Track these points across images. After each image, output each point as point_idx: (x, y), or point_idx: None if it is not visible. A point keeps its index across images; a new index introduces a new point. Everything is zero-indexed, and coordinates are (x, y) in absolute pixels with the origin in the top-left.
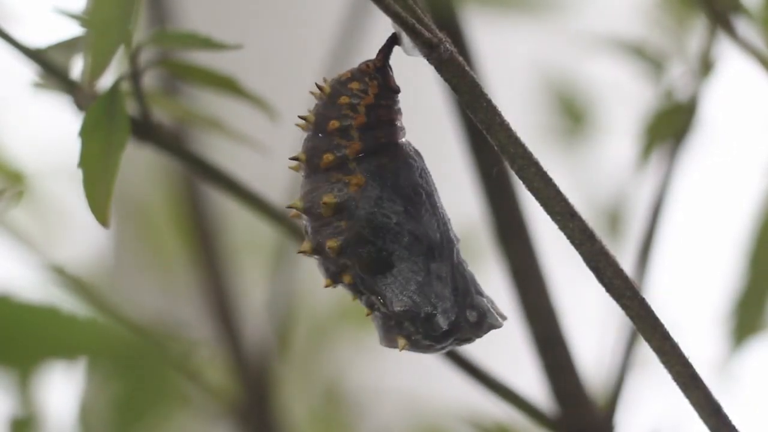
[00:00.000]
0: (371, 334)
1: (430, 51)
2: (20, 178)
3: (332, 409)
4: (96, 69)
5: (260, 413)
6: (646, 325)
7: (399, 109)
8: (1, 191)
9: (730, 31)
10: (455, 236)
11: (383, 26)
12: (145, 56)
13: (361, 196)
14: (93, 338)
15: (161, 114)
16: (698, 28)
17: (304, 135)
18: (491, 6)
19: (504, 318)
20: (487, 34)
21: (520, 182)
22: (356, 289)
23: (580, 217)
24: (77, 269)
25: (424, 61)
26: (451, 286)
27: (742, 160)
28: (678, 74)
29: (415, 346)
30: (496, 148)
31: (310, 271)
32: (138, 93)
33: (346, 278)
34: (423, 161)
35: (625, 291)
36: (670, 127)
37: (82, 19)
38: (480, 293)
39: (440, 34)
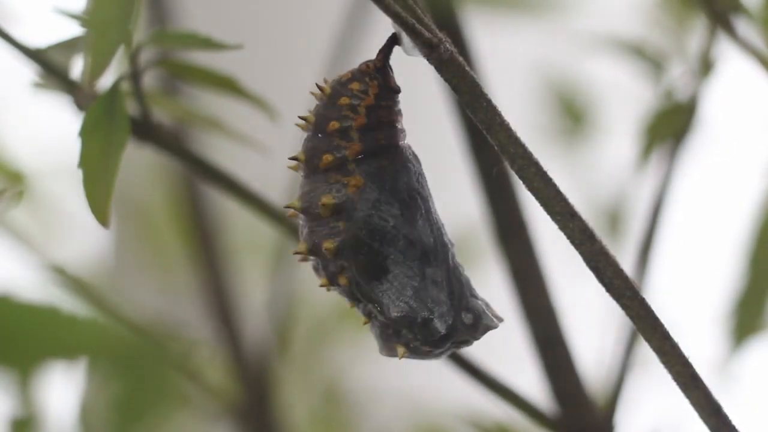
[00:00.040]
0: (371, 335)
1: (430, 51)
2: (20, 178)
3: (332, 409)
4: (96, 69)
5: (260, 413)
6: (646, 325)
7: (399, 111)
8: (1, 191)
9: (730, 31)
10: (450, 241)
11: (383, 26)
12: (145, 56)
13: (360, 197)
14: (93, 338)
15: (161, 114)
16: (698, 28)
17: (304, 135)
18: (491, 6)
19: (500, 319)
20: (487, 34)
21: (520, 182)
22: (353, 295)
23: (580, 217)
24: (77, 269)
25: (424, 61)
26: (446, 291)
27: (742, 160)
28: (678, 74)
29: (414, 352)
30: (496, 148)
31: (310, 271)
32: (138, 93)
33: (342, 280)
34: (420, 165)
35: (625, 291)
36: (670, 127)
37: (82, 19)
38: (474, 296)
39: (440, 34)
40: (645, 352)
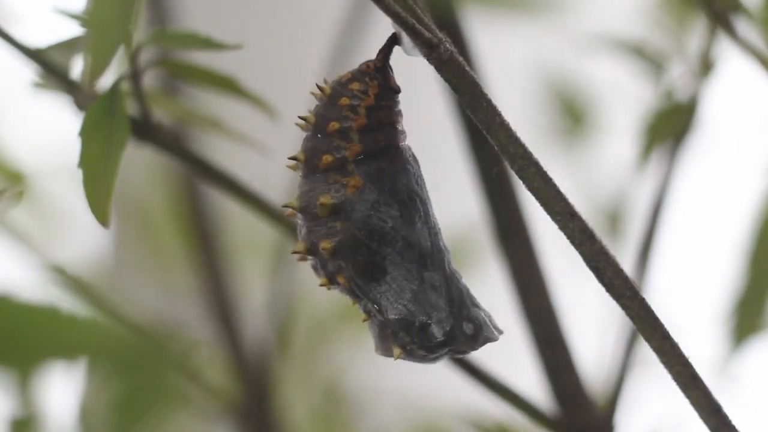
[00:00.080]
0: (370, 335)
1: (430, 51)
2: (20, 178)
3: (332, 409)
4: (96, 69)
5: (260, 413)
6: (646, 325)
7: (399, 111)
8: (1, 191)
9: (730, 31)
10: (445, 246)
11: (383, 26)
12: (145, 56)
13: (358, 198)
14: (93, 338)
15: (161, 114)
16: (698, 28)
17: (304, 135)
18: (491, 6)
19: (500, 332)
20: (487, 34)
21: (520, 182)
22: (353, 293)
23: (580, 217)
24: (77, 269)
25: (424, 61)
26: (445, 297)
27: (742, 160)
28: (678, 74)
29: (410, 355)
30: (496, 148)
31: (310, 271)
32: (138, 93)
33: (341, 279)
34: (419, 168)
35: (625, 291)
36: (670, 127)
37: (82, 19)
38: (476, 305)
39: (440, 34)
40: (645, 352)
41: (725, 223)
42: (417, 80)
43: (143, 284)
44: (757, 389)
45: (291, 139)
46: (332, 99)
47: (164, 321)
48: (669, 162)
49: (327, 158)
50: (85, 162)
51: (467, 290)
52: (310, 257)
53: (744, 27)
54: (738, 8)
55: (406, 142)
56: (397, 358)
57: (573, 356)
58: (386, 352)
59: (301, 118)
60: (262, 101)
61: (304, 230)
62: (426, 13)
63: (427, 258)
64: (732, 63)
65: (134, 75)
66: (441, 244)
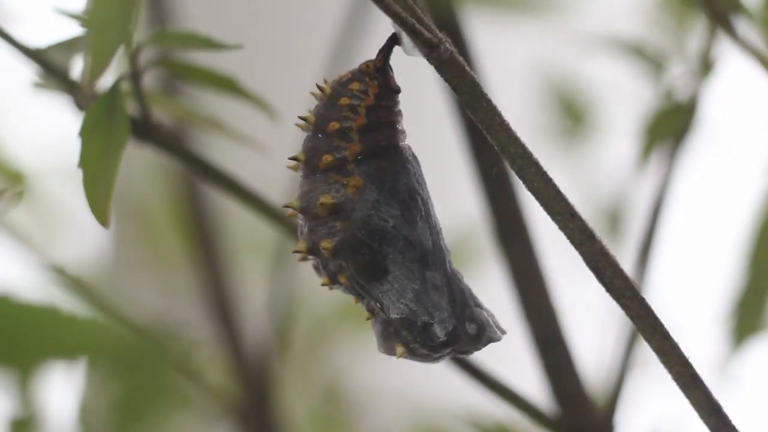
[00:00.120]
0: (371, 334)
1: (430, 51)
2: (20, 178)
3: (332, 409)
4: (96, 69)
5: (260, 413)
6: (646, 325)
7: (399, 111)
8: (1, 191)
9: (730, 31)
10: (446, 246)
11: (383, 26)
12: (145, 56)
13: (359, 198)
14: (93, 338)
15: (161, 114)
16: (698, 28)
17: (304, 135)
18: (491, 6)
19: (503, 332)
20: (487, 34)
21: (520, 182)
22: (355, 292)
23: (580, 217)
24: (77, 269)
25: (424, 61)
26: (447, 297)
27: (742, 160)
28: (678, 74)
29: (413, 354)
30: (496, 148)
31: (310, 270)
32: (138, 93)
33: (343, 279)
34: (420, 167)
35: (625, 291)
36: (670, 127)
37: (82, 19)
38: (479, 306)
39: (440, 34)
40: (645, 352)
41: (725, 223)
42: (417, 80)
43: (143, 284)
44: (757, 389)
45: (291, 139)
46: (332, 99)
47: (164, 321)
48: (669, 162)
49: (327, 158)
50: (85, 162)
51: (469, 290)
52: (311, 257)
53: (744, 27)
54: (738, 8)
55: (406, 142)
56: (400, 356)
57: (573, 356)
58: (389, 350)
59: (301, 118)
60: (262, 101)
61: (305, 230)
62: (426, 13)
63: (429, 257)
64: (732, 63)
65: (134, 75)
66: (442, 243)
